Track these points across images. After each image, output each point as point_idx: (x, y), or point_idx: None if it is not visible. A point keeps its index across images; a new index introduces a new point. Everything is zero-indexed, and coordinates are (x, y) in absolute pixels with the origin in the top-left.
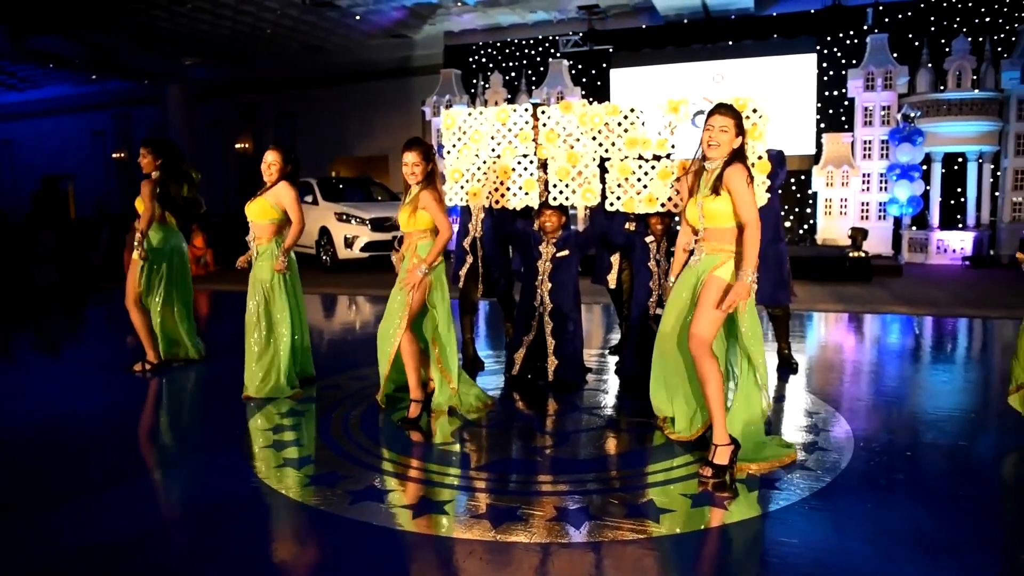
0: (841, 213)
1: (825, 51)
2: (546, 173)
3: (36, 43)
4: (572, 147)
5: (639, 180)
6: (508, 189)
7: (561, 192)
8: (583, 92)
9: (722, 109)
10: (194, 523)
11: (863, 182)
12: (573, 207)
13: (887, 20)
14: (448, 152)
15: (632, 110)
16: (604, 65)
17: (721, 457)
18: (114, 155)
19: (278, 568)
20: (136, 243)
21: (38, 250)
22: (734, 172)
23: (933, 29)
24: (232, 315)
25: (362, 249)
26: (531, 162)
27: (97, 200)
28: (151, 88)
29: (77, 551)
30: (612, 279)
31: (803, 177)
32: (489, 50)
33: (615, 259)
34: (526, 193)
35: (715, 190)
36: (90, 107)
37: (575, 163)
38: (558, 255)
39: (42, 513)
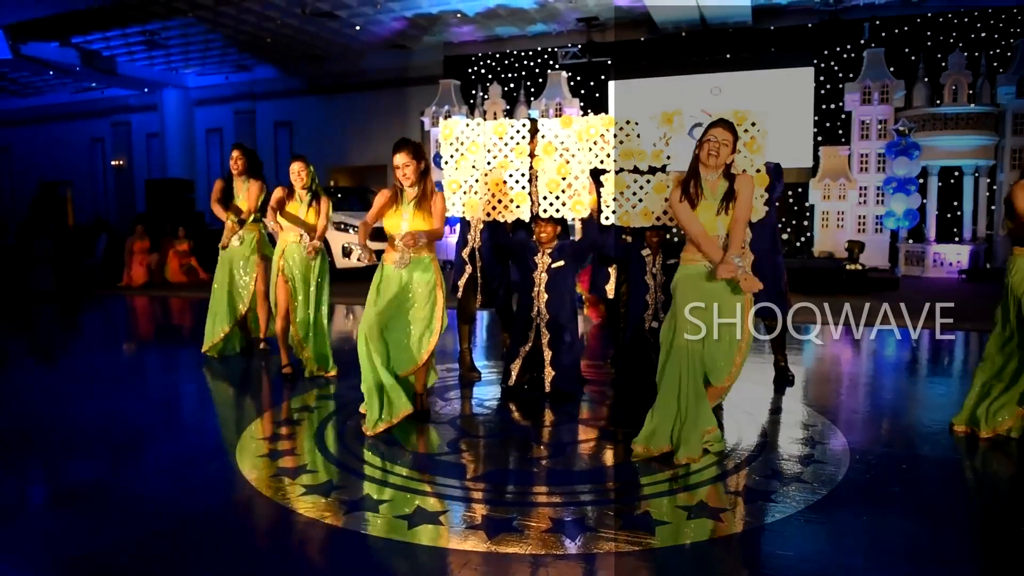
0: (838, 226)
1: (822, 64)
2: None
3: (35, 50)
4: (568, 161)
5: (634, 194)
6: (500, 202)
7: (551, 204)
8: (582, 104)
9: (723, 124)
10: (186, 532)
11: (860, 195)
12: (571, 219)
13: (884, 34)
14: (445, 163)
15: (628, 122)
16: (603, 77)
17: None
18: (112, 162)
19: None
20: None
21: (35, 256)
22: (747, 182)
23: (930, 44)
24: None
25: (359, 258)
26: (523, 175)
27: (95, 207)
28: (150, 95)
29: (72, 557)
30: (611, 289)
31: (800, 190)
32: (488, 61)
33: (613, 269)
34: (517, 206)
35: (728, 204)
36: (89, 114)
37: (565, 175)
38: (553, 266)
39: (41, 517)
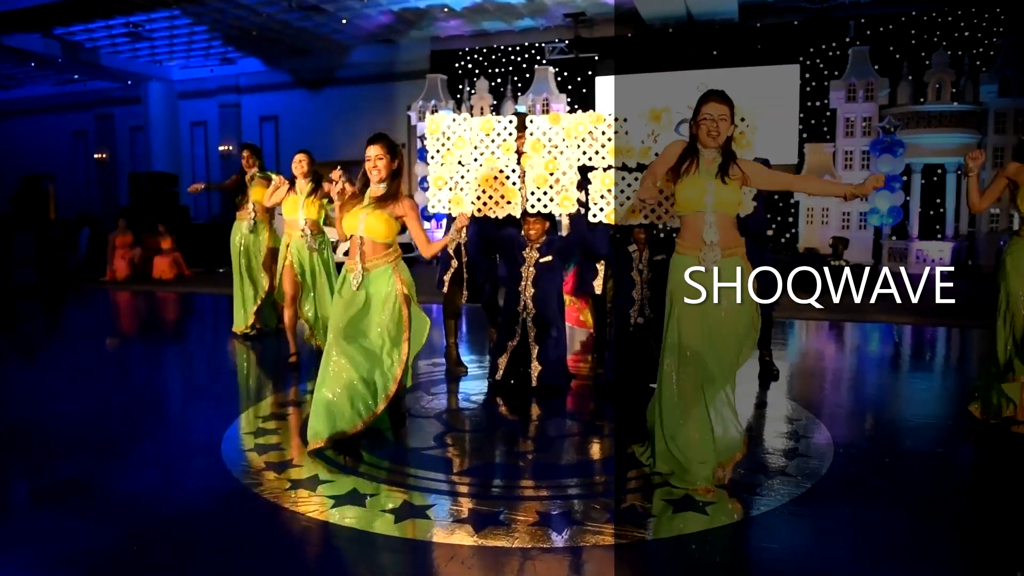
0: (823, 222)
1: (808, 62)
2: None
3: (17, 41)
4: (555, 158)
5: (622, 191)
6: (491, 198)
7: (539, 200)
8: (568, 99)
9: (716, 96)
10: (173, 527)
11: None
12: (558, 215)
13: (869, 33)
14: (431, 158)
15: (616, 119)
16: (590, 72)
17: None
18: (95, 155)
19: (257, 573)
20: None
21: (16, 251)
22: (750, 162)
23: (914, 43)
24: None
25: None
26: (512, 170)
27: (78, 201)
28: (133, 88)
29: (64, 555)
30: (598, 285)
31: None
32: (475, 56)
33: (601, 265)
34: (508, 202)
35: (723, 177)
36: (72, 107)
37: (553, 170)
38: (541, 261)
39: (32, 514)
